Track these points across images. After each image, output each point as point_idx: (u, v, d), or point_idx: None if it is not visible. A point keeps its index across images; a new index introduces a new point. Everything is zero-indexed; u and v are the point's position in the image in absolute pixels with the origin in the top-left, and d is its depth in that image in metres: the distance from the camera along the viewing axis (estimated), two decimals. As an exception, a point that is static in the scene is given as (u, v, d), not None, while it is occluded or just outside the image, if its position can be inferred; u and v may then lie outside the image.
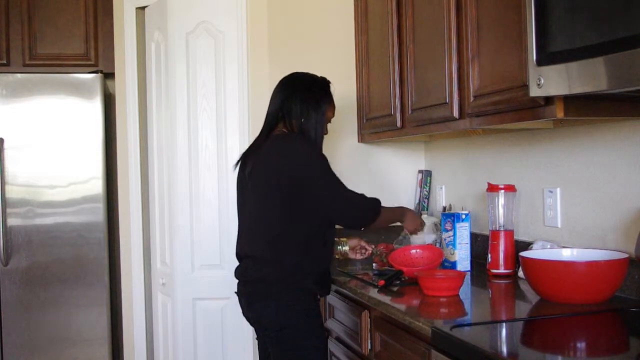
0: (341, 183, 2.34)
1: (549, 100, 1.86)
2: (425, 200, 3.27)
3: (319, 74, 2.58)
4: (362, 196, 2.40)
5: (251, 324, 2.44)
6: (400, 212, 2.60)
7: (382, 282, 2.34)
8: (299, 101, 2.38)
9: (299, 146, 2.31)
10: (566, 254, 2.14)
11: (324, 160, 2.32)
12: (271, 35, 3.15)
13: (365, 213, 2.40)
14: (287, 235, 2.29)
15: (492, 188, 2.56)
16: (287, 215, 2.28)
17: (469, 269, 2.63)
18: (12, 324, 3.52)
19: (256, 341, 3.11)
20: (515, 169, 2.65)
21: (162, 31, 3.26)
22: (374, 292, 2.29)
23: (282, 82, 2.49)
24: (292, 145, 2.31)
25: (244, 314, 2.44)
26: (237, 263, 3.07)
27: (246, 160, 2.42)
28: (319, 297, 2.40)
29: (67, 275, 3.57)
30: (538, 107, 1.92)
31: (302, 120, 2.36)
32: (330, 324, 2.67)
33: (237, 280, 2.44)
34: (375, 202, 2.42)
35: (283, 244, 2.29)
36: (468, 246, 2.64)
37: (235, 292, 2.45)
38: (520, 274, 2.38)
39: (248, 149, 2.47)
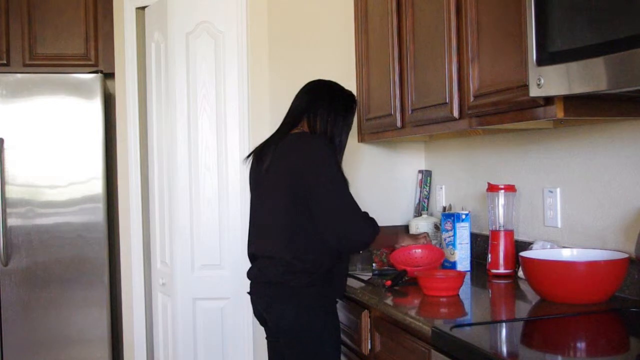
0: (346, 200, 2.20)
1: (549, 100, 1.86)
2: (425, 200, 3.27)
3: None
4: (363, 220, 2.22)
5: (264, 324, 2.40)
6: (396, 237, 2.51)
7: (388, 282, 2.34)
8: (328, 105, 2.36)
9: (319, 149, 2.23)
10: (566, 254, 2.14)
11: (337, 173, 2.22)
12: (271, 35, 3.16)
13: (360, 242, 2.24)
14: (307, 237, 2.23)
15: (492, 188, 2.56)
16: (307, 217, 2.21)
17: (469, 269, 2.63)
18: (12, 324, 3.52)
19: (256, 341, 3.13)
20: (515, 169, 2.65)
21: (162, 31, 3.27)
22: (374, 292, 2.29)
23: (311, 83, 2.47)
24: (314, 147, 2.24)
25: (257, 315, 2.39)
26: (237, 263, 3.10)
27: (262, 156, 2.35)
28: (337, 300, 2.37)
29: (67, 275, 3.57)
30: (538, 107, 1.92)
31: (329, 124, 2.33)
32: (330, 324, 2.67)
33: (247, 281, 2.40)
34: (374, 229, 2.24)
35: (303, 246, 2.23)
36: (468, 246, 2.65)
37: (248, 293, 2.40)
38: (520, 274, 2.38)
39: (264, 143, 2.40)
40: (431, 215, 3.20)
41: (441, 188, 3.21)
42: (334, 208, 2.19)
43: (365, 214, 2.25)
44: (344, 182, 2.24)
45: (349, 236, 2.21)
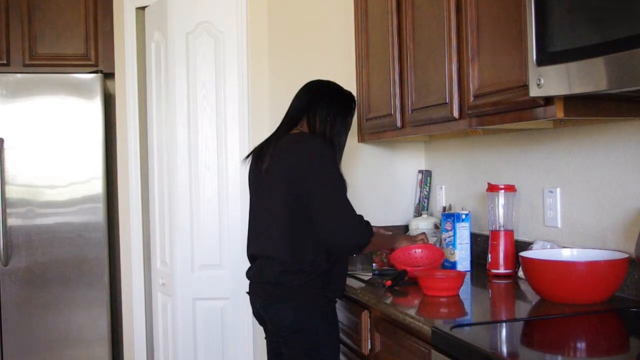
0: (342, 202, 2.20)
1: (549, 100, 1.86)
2: (425, 200, 3.27)
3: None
4: (357, 223, 2.21)
5: (264, 324, 2.40)
6: (392, 240, 2.51)
7: (388, 282, 2.34)
8: (327, 105, 2.36)
9: (318, 150, 2.23)
10: (566, 254, 2.14)
11: (335, 174, 2.22)
12: (271, 35, 3.15)
13: (351, 245, 2.22)
14: (305, 237, 2.22)
15: (492, 188, 2.56)
16: (306, 217, 2.21)
17: (469, 269, 2.63)
18: (12, 324, 3.52)
19: (256, 341, 3.13)
20: (515, 169, 2.65)
21: (162, 31, 3.27)
22: (374, 292, 2.29)
23: (311, 84, 2.47)
24: (313, 147, 2.24)
25: (257, 314, 2.39)
26: (237, 263, 3.10)
27: (261, 156, 2.35)
28: (336, 300, 2.37)
29: (67, 275, 3.57)
30: (538, 107, 1.92)
31: (329, 124, 2.33)
32: (330, 324, 2.67)
33: (247, 281, 2.40)
34: (367, 233, 2.25)
35: (302, 246, 2.22)
36: (468, 246, 2.65)
37: (247, 292, 2.41)
38: (520, 274, 2.38)
39: (263, 143, 2.39)
40: (431, 215, 3.20)
41: (441, 188, 3.21)
42: (329, 209, 2.19)
43: (360, 217, 2.25)
44: (341, 184, 2.24)
45: (342, 238, 2.20)
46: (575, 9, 1.63)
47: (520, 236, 2.59)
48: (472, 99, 2.24)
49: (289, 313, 2.23)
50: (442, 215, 2.73)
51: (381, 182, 3.33)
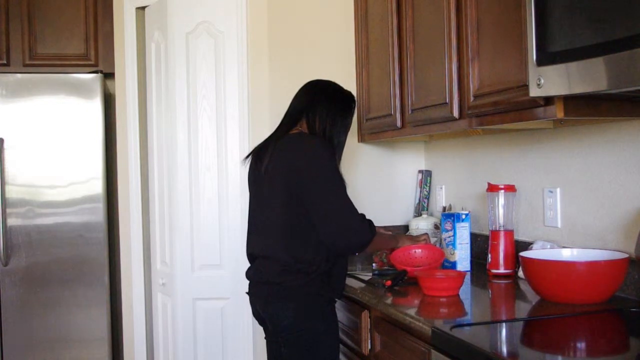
0: (342, 201, 2.21)
1: (548, 100, 1.86)
2: (425, 200, 3.27)
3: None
4: (359, 222, 2.22)
5: (264, 324, 2.40)
6: (395, 240, 2.52)
7: (388, 282, 2.34)
8: (327, 105, 2.36)
9: (317, 150, 2.24)
10: (566, 254, 2.14)
11: (334, 174, 2.23)
12: (271, 35, 3.15)
13: (355, 244, 2.23)
14: (304, 237, 2.22)
15: (492, 188, 2.56)
16: (305, 217, 2.21)
17: (469, 269, 2.63)
18: (12, 324, 3.52)
19: (256, 341, 3.13)
20: (515, 169, 2.65)
21: (162, 31, 3.27)
22: (374, 292, 2.29)
23: (310, 83, 2.47)
24: (312, 147, 2.25)
25: (256, 314, 2.39)
26: (237, 263, 3.10)
27: (261, 156, 2.35)
28: (336, 300, 2.37)
29: (67, 275, 3.57)
30: (538, 107, 1.92)
31: (328, 124, 2.33)
32: (330, 324, 2.67)
33: (247, 281, 2.40)
34: (370, 231, 2.24)
35: (301, 246, 2.23)
36: (468, 246, 2.65)
37: (247, 293, 2.41)
38: (520, 274, 2.38)
39: (263, 143, 2.40)
40: (431, 215, 3.20)
41: (441, 188, 3.21)
42: (330, 209, 2.19)
43: (362, 215, 2.25)
44: (341, 183, 2.24)
45: (344, 237, 2.20)
46: (575, 9, 1.63)
47: (520, 236, 2.59)
48: (472, 99, 2.24)
49: (289, 313, 2.23)
50: (442, 215, 2.73)
51: (381, 182, 3.33)
